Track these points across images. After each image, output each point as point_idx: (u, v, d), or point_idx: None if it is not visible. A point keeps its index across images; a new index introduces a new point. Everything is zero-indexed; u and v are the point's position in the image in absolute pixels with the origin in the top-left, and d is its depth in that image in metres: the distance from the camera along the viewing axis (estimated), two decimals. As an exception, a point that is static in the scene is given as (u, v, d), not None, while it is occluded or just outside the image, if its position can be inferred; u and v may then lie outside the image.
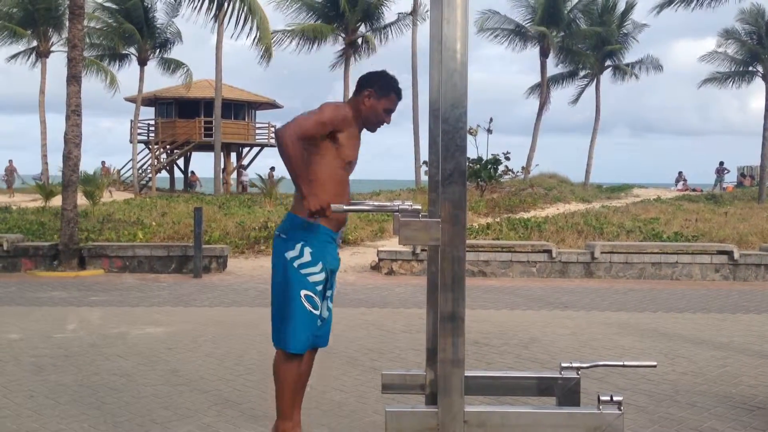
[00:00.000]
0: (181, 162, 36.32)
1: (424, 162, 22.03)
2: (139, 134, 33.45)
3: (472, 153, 20.53)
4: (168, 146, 34.16)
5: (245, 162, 37.08)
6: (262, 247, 11.81)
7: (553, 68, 32.30)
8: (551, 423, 2.41)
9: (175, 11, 29.42)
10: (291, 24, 29.12)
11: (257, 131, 36.78)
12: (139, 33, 29.81)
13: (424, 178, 22.73)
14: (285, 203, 18.12)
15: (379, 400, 4.11)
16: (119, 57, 31.48)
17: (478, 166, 19.87)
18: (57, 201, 14.25)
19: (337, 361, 5.18)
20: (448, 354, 2.33)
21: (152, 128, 35.31)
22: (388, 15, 29.39)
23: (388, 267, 10.20)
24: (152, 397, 4.26)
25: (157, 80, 53.36)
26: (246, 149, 37.06)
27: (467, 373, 2.50)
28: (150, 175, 32.60)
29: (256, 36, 24.59)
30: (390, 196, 20.85)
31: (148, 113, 36.34)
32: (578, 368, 2.77)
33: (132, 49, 31.19)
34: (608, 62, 31.82)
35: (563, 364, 2.79)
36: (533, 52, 31.13)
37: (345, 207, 2.94)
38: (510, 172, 21.84)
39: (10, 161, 29.63)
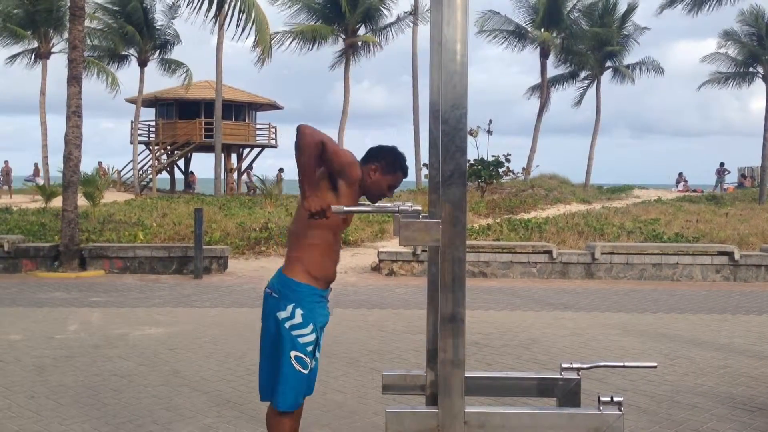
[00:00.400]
0: (181, 163, 36.34)
1: (425, 164, 22.07)
2: (140, 135, 33.46)
3: (472, 154, 20.57)
4: (168, 147, 34.17)
5: (245, 163, 37.08)
6: (263, 248, 11.82)
7: (554, 69, 32.32)
8: (551, 424, 2.41)
9: (174, 13, 29.46)
10: (291, 24, 29.15)
11: (258, 132, 36.78)
12: (139, 34, 29.84)
13: (424, 179, 22.76)
14: (285, 204, 18.13)
15: (379, 400, 4.11)
16: (119, 58, 31.50)
17: (480, 166, 19.89)
18: (57, 202, 14.25)
19: (337, 362, 5.18)
20: (448, 355, 2.34)
21: (153, 129, 35.32)
22: (389, 16, 29.39)
23: (388, 268, 10.20)
24: (153, 397, 4.26)
25: (158, 81, 53.35)
26: (246, 150, 37.06)
27: (468, 374, 2.50)
28: (150, 176, 32.61)
29: (255, 38, 24.61)
30: (390, 197, 20.84)
31: (149, 114, 36.37)
32: (579, 369, 2.77)
33: (132, 50, 31.21)
34: (608, 63, 31.81)
35: (564, 365, 2.79)
36: (533, 53, 31.13)
37: (345, 208, 2.94)
38: (510, 173, 21.86)
39: (6, 162, 29.49)
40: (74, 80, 10.39)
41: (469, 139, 20.60)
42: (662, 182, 41.49)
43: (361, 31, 29.77)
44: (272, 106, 37.69)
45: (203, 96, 33.87)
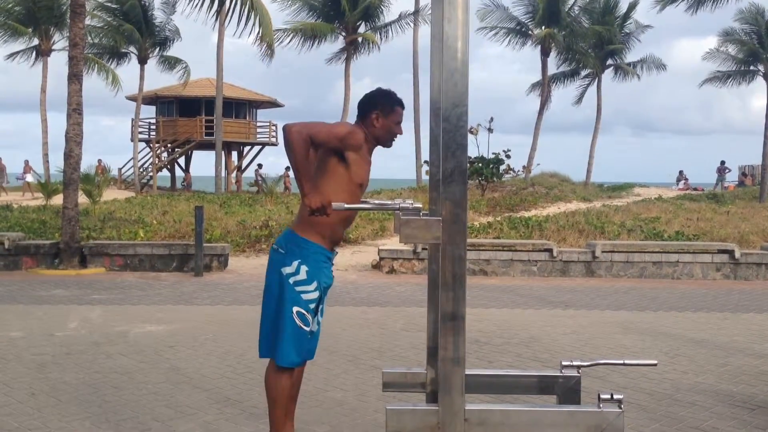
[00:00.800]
0: (182, 161, 36.33)
1: (425, 161, 22.04)
2: (140, 133, 33.45)
3: (473, 152, 20.57)
4: (169, 145, 34.16)
5: (245, 161, 37.07)
6: (263, 246, 11.82)
7: (555, 67, 32.29)
8: (552, 421, 2.41)
9: (173, 9, 29.44)
10: (291, 22, 29.14)
11: (258, 130, 36.77)
12: (138, 32, 29.82)
13: (425, 177, 22.75)
14: (285, 202, 18.13)
15: (380, 398, 4.11)
16: (119, 55, 31.48)
17: (480, 164, 19.88)
18: (58, 200, 14.26)
19: (338, 359, 5.19)
20: (449, 352, 2.34)
21: (153, 127, 35.31)
22: (389, 14, 29.41)
23: (389, 266, 10.21)
24: (153, 395, 4.27)
25: (158, 79, 53.29)
26: (247, 148, 37.05)
27: (468, 372, 2.50)
28: (151, 174, 32.61)
29: (258, 33, 24.56)
30: (391, 194, 20.85)
31: (149, 112, 36.35)
32: (579, 367, 2.78)
33: (132, 48, 31.19)
34: (610, 61, 31.79)
35: (564, 363, 2.79)
36: (534, 51, 31.11)
37: (346, 205, 2.94)
38: (511, 171, 21.85)
39: None
40: (75, 78, 10.39)
41: (470, 137, 20.56)
42: (663, 180, 41.47)
43: (362, 29, 29.75)
44: (273, 104, 37.67)
45: (204, 93, 33.85)
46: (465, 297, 2.33)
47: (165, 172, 35.09)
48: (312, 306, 3.12)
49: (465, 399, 2.35)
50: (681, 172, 33.74)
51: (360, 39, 29.35)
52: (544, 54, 30.55)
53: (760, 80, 26.29)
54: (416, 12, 28.42)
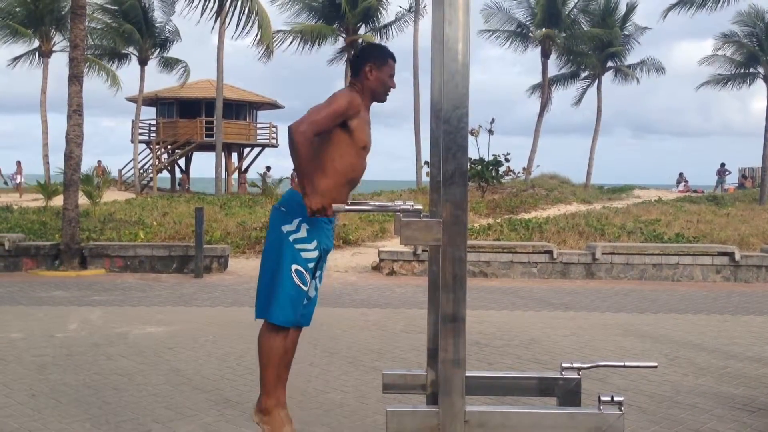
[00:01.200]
0: (182, 162, 36.35)
1: (426, 162, 22.05)
2: (141, 134, 33.48)
3: (473, 154, 20.58)
4: (169, 146, 34.18)
5: (246, 163, 37.09)
6: (263, 247, 11.81)
7: (555, 69, 32.31)
8: (552, 423, 2.41)
9: (172, 10, 29.48)
10: (291, 24, 29.17)
11: (258, 131, 36.79)
12: (138, 32, 29.85)
13: (425, 178, 22.75)
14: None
15: (380, 400, 4.11)
16: (120, 56, 31.51)
17: (480, 167, 19.88)
18: (58, 201, 14.26)
19: (338, 361, 5.18)
20: (449, 354, 2.34)
21: (153, 128, 35.34)
22: (388, 15, 29.43)
23: (389, 267, 10.21)
24: (153, 396, 4.26)
25: (159, 80, 53.36)
26: (247, 149, 37.07)
27: (468, 374, 2.50)
28: (151, 175, 32.62)
29: (257, 34, 24.61)
30: (391, 196, 20.86)
31: (150, 113, 36.39)
32: (579, 369, 2.78)
33: (132, 49, 31.22)
34: (610, 63, 31.80)
35: (564, 365, 2.80)
36: (534, 53, 31.13)
37: (346, 207, 2.95)
38: (511, 173, 21.85)
39: None
40: (75, 79, 10.40)
41: (470, 138, 20.58)
42: (663, 182, 41.53)
43: (362, 30, 29.77)
44: (273, 106, 37.70)
45: (204, 95, 33.89)
46: (465, 299, 2.34)
47: (165, 174, 35.12)
48: (311, 265, 3.09)
49: (465, 401, 2.36)
50: (681, 174, 33.75)
51: (360, 40, 29.37)
52: (545, 56, 30.56)
53: (760, 83, 26.29)
54: (415, 10, 28.38)
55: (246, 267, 10.53)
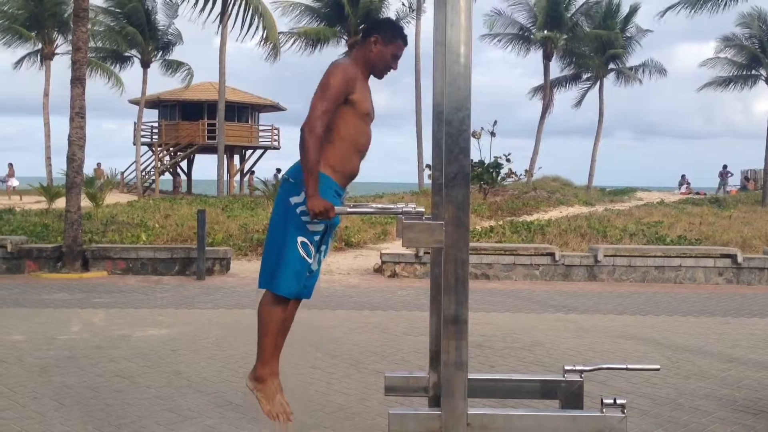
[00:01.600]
0: (184, 164, 36.38)
1: (427, 165, 22.06)
2: (143, 136, 33.53)
3: (475, 156, 20.57)
4: (171, 148, 34.22)
5: (248, 165, 37.11)
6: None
7: (557, 71, 32.33)
8: (554, 426, 2.41)
9: (175, 12, 29.53)
10: (293, 26, 29.21)
11: (261, 134, 36.82)
12: (141, 35, 29.91)
13: (427, 180, 22.75)
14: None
15: (382, 402, 4.11)
16: (122, 59, 31.57)
17: (480, 169, 19.87)
18: (60, 203, 14.29)
19: (340, 363, 5.18)
20: (451, 357, 2.34)
21: (156, 130, 35.38)
22: (390, 15, 29.39)
23: (391, 270, 10.20)
24: (155, 398, 4.26)
25: (161, 83, 53.46)
26: (249, 152, 37.10)
27: (470, 376, 2.50)
28: (153, 177, 32.66)
29: (263, 35, 24.60)
30: (393, 198, 20.86)
31: (152, 115, 36.47)
32: (581, 371, 2.77)
33: (135, 51, 31.28)
34: (611, 65, 31.81)
35: (566, 367, 2.79)
36: (536, 55, 31.20)
37: (348, 209, 2.95)
38: (513, 175, 21.84)
39: None
40: (78, 81, 10.41)
41: (472, 140, 20.57)
42: (665, 185, 41.47)
43: (363, 33, 29.78)
44: (275, 108, 37.74)
45: (206, 97, 33.93)
46: (467, 301, 2.33)
47: (168, 176, 35.16)
48: (316, 238, 3.08)
49: (467, 403, 2.35)
50: (683, 176, 33.73)
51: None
52: (547, 58, 30.59)
53: (762, 84, 26.30)
54: (417, 9, 28.37)
55: (248, 269, 10.53)
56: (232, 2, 18.34)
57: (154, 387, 4.51)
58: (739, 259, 10.07)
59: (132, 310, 7.30)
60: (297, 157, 3.08)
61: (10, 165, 28.16)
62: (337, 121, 3.07)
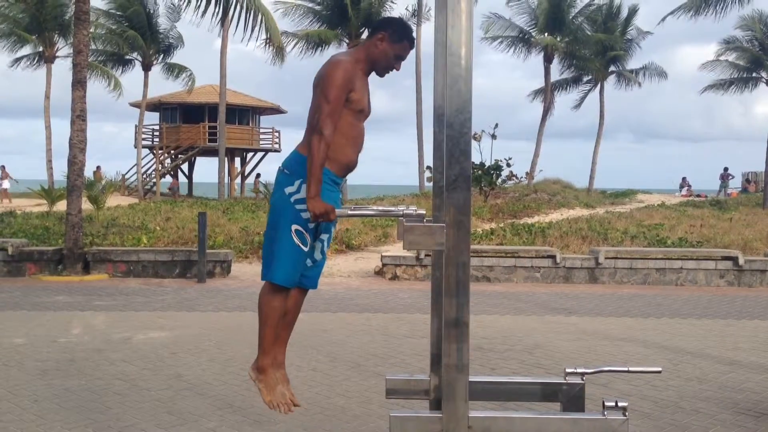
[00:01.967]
0: (185, 167, 36.41)
1: (428, 167, 22.05)
2: (144, 139, 33.54)
3: (476, 158, 20.56)
4: (172, 151, 34.24)
5: (248, 167, 37.12)
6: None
7: (557, 74, 32.34)
8: (556, 429, 2.40)
9: (177, 16, 29.57)
10: (294, 28, 29.23)
11: (261, 136, 36.84)
12: (142, 38, 29.94)
13: (428, 183, 22.75)
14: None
15: (383, 405, 4.10)
16: (123, 62, 31.60)
17: (480, 172, 19.87)
18: (62, 206, 14.29)
19: (341, 366, 5.18)
20: (452, 359, 2.33)
21: (157, 133, 35.41)
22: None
23: (392, 272, 10.20)
24: (156, 401, 4.26)
25: (162, 86, 53.51)
26: (250, 154, 37.12)
27: (471, 379, 2.49)
28: (154, 180, 32.67)
29: (267, 37, 24.56)
30: (394, 201, 20.85)
31: (153, 118, 36.48)
32: (583, 374, 2.76)
33: (136, 54, 31.31)
34: (612, 68, 31.82)
35: (568, 370, 2.78)
36: (537, 58, 31.16)
37: (349, 212, 2.94)
38: (514, 178, 21.83)
39: None
40: (79, 84, 10.43)
41: (473, 143, 20.56)
42: (666, 187, 41.44)
43: (365, 35, 29.80)
44: (276, 110, 37.76)
45: (207, 100, 33.95)
46: (468, 303, 2.33)
47: (168, 179, 35.16)
48: (311, 225, 3.09)
49: (468, 406, 2.35)
50: (684, 179, 33.73)
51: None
52: (547, 61, 30.59)
53: (763, 87, 26.31)
54: (418, 14, 28.42)
55: (249, 272, 10.53)
56: (234, 4, 18.36)
57: (154, 390, 4.50)
58: (741, 262, 10.06)
59: (133, 313, 7.29)
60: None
61: (2, 167, 27.93)
62: (338, 123, 3.07)
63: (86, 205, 13.83)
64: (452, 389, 2.33)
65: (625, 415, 2.38)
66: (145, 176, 32.40)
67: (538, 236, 12.55)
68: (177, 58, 32.08)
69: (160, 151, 33.56)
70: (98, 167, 33.03)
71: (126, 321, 6.83)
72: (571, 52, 30.80)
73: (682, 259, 10.25)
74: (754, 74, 26.94)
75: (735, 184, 34.27)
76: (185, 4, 15.00)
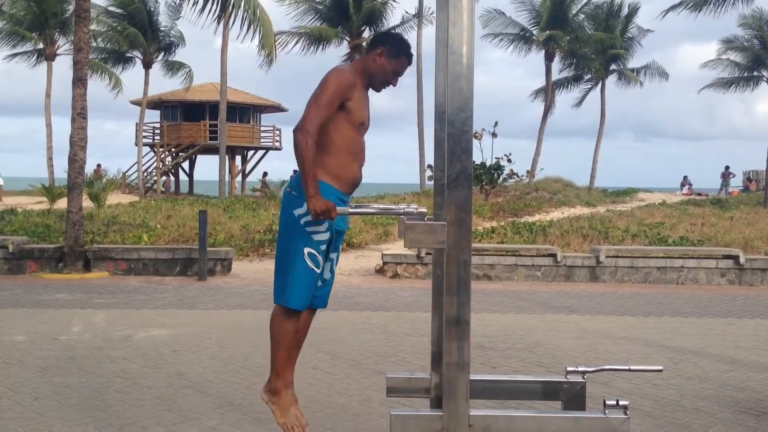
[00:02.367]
0: (186, 165, 36.40)
1: (429, 165, 22.05)
2: (145, 137, 33.54)
3: (476, 157, 20.54)
4: (173, 149, 34.24)
5: (249, 166, 37.12)
6: (267, 250, 11.82)
7: (558, 72, 32.31)
8: (557, 427, 2.40)
9: (177, 14, 29.55)
10: (296, 26, 29.19)
11: (262, 134, 36.83)
12: (143, 36, 29.92)
13: (429, 182, 22.74)
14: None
15: (383, 403, 4.10)
16: (124, 60, 31.59)
17: (481, 170, 19.86)
18: (62, 203, 14.29)
19: (341, 364, 5.18)
20: (453, 357, 2.33)
21: (157, 131, 35.41)
22: (393, 19, 29.40)
23: (392, 270, 10.20)
24: (157, 399, 4.26)
25: (162, 83, 53.45)
26: (251, 152, 37.11)
27: (472, 377, 2.49)
28: (155, 178, 32.68)
29: (260, 40, 24.57)
30: (394, 199, 20.84)
31: (154, 116, 36.47)
32: (584, 372, 2.76)
33: (137, 52, 31.29)
34: (613, 67, 31.79)
35: (569, 368, 2.78)
36: (538, 56, 31.14)
37: (350, 210, 2.94)
38: (515, 176, 21.82)
39: None
40: (79, 82, 10.43)
41: (474, 141, 20.54)
42: (667, 186, 41.45)
43: (366, 33, 29.79)
44: (277, 108, 37.75)
45: (208, 98, 33.95)
46: (469, 302, 2.33)
47: (170, 176, 35.16)
48: (323, 247, 3.08)
49: (469, 404, 2.35)
50: (685, 178, 33.72)
51: (364, 43, 29.37)
52: (548, 59, 30.56)
53: (764, 85, 26.30)
54: (419, 15, 28.42)
55: (250, 270, 10.53)
56: (232, 2, 18.35)
57: (155, 388, 4.50)
58: (742, 260, 10.05)
59: (133, 311, 7.30)
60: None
61: None
62: (331, 128, 3.07)
63: (87, 203, 13.82)
64: (453, 387, 2.33)
65: (626, 414, 2.38)
66: (145, 174, 32.39)
67: (539, 235, 12.55)
68: (178, 56, 32.09)
69: (160, 149, 33.55)
70: (98, 165, 33.04)
71: (127, 319, 6.83)
72: (572, 51, 30.77)
73: (683, 258, 10.24)
74: (755, 73, 26.92)
75: (736, 182, 34.25)
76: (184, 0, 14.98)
